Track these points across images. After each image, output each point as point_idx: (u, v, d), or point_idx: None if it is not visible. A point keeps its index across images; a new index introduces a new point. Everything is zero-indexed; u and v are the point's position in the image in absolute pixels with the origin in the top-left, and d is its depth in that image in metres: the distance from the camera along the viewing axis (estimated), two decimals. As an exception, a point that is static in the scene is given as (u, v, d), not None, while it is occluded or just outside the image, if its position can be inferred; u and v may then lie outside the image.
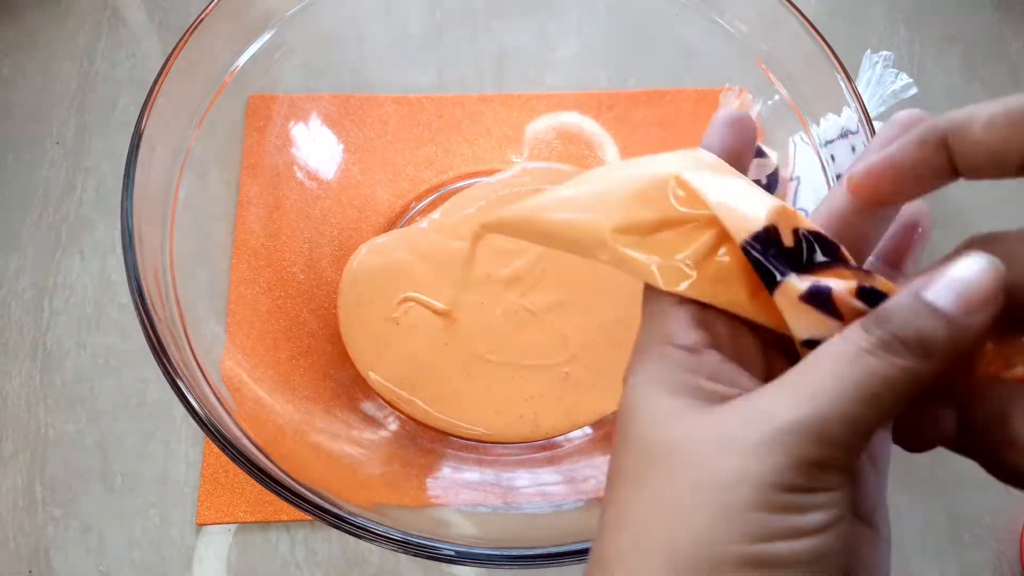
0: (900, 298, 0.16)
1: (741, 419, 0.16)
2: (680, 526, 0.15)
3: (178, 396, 0.28)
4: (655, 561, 0.15)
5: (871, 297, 0.16)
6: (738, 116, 0.21)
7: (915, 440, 0.18)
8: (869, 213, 0.20)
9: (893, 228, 0.21)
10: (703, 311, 0.18)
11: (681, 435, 0.16)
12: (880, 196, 0.19)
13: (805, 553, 0.15)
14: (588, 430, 0.40)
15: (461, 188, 0.45)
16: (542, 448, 0.39)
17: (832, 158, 0.36)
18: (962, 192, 0.48)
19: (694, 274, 0.18)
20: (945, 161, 0.17)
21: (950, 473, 0.41)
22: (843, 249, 0.19)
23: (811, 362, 0.16)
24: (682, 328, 0.18)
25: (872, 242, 0.21)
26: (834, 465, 0.15)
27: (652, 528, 0.15)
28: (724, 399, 0.17)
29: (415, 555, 0.27)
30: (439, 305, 0.42)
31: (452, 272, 0.42)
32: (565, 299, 0.42)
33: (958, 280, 0.15)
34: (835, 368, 0.15)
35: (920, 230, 0.21)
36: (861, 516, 0.19)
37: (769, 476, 0.15)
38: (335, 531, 0.28)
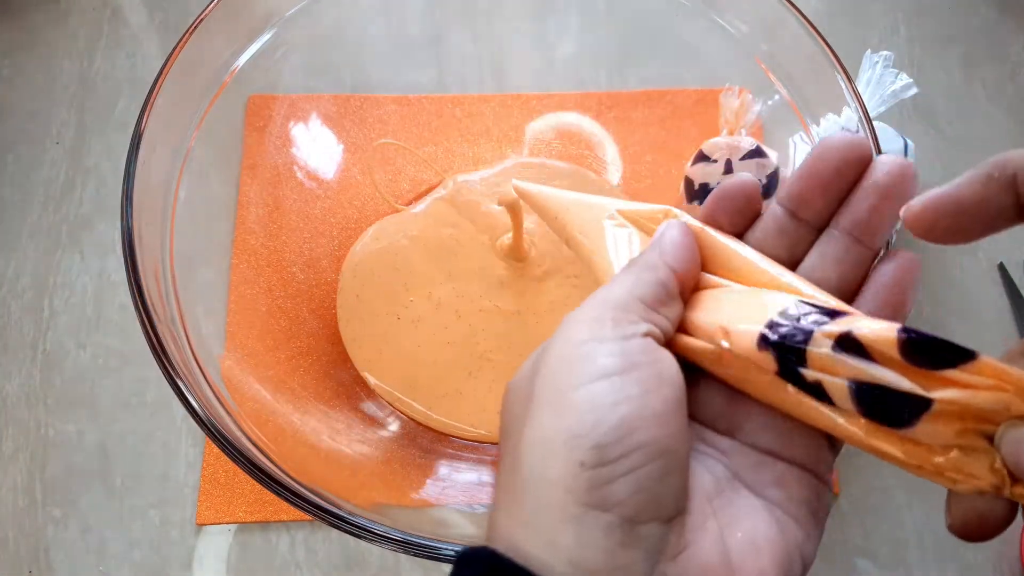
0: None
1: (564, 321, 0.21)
2: (528, 413, 0.19)
3: (178, 396, 0.28)
4: (506, 453, 0.19)
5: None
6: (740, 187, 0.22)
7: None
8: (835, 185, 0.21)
9: (869, 199, 0.20)
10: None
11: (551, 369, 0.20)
12: (936, 234, 0.18)
13: (608, 392, 0.18)
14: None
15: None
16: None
17: (832, 158, 0.36)
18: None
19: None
20: (1012, 202, 0.17)
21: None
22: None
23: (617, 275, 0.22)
24: (635, 306, 0.21)
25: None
26: (610, 317, 0.19)
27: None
28: None
29: (415, 555, 0.27)
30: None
31: (447, 261, 0.43)
32: (567, 298, 0.42)
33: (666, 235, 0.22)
34: (622, 275, 0.21)
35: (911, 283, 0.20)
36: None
37: (573, 338, 0.19)
38: (335, 531, 0.28)
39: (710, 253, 0.22)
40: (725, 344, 0.19)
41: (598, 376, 0.18)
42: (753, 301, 0.20)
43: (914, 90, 0.42)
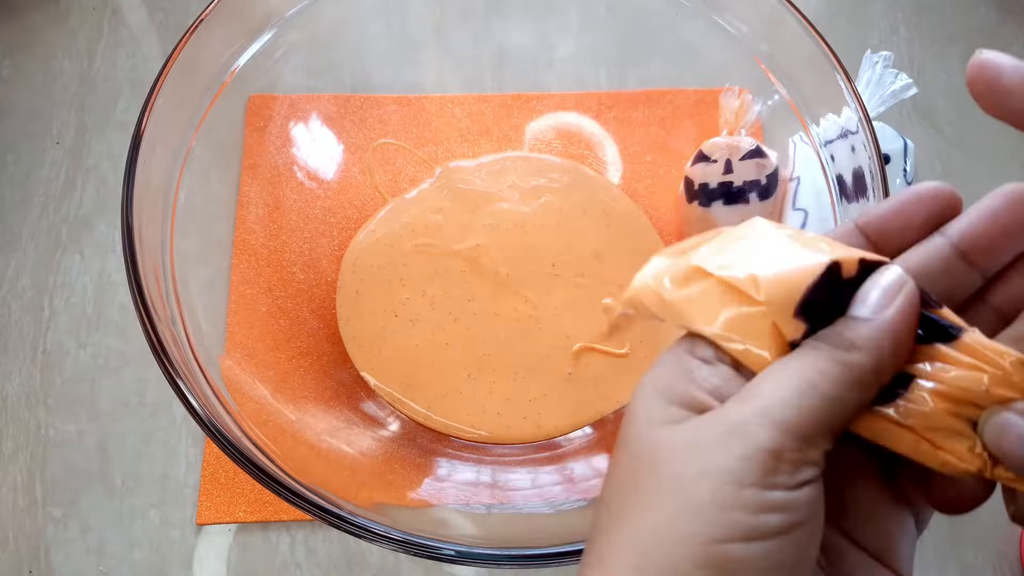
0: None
1: (707, 423, 0.16)
2: (646, 526, 0.16)
3: (178, 396, 0.28)
4: (626, 561, 0.16)
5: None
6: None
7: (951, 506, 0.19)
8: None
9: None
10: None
11: (662, 440, 0.17)
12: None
13: (760, 558, 0.15)
14: (589, 430, 0.40)
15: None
16: (543, 448, 0.39)
17: (832, 158, 0.36)
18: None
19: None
20: None
21: (950, 473, 0.41)
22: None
23: (765, 373, 0.17)
24: (705, 343, 0.18)
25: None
26: (788, 459, 0.15)
27: (627, 530, 0.16)
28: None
29: (415, 555, 0.27)
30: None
31: (442, 261, 0.43)
32: (568, 300, 0.42)
33: (868, 290, 0.17)
34: (775, 371, 0.17)
35: None
36: (875, 554, 0.18)
37: (725, 472, 0.15)
38: (335, 531, 0.28)
39: None
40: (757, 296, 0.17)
41: (758, 535, 0.15)
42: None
43: (914, 90, 0.42)
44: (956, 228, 0.18)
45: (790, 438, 0.15)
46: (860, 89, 0.42)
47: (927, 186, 0.19)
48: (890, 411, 0.17)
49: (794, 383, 0.16)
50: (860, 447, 0.18)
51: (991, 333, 0.17)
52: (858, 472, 0.19)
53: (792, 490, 0.15)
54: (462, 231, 0.44)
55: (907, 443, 0.17)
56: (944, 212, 0.19)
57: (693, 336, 0.18)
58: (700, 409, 0.17)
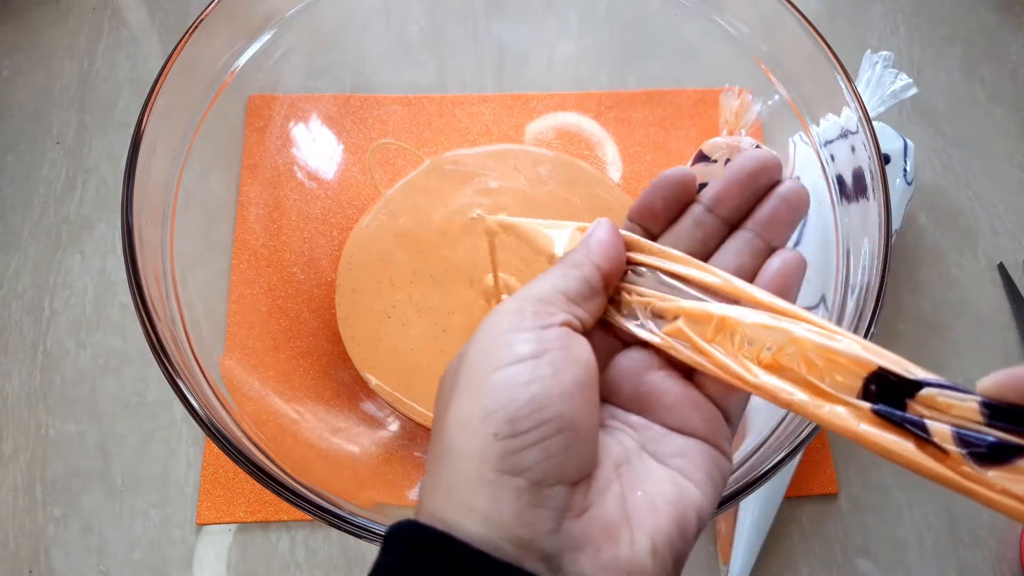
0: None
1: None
2: (451, 395, 0.21)
3: (178, 396, 0.28)
4: (433, 436, 0.20)
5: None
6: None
7: None
8: (749, 187, 0.25)
9: (772, 203, 0.24)
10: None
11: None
12: None
13: (519, 374, 0.20)
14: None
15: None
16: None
17: (832, 158, 0.36)
18: (959, 192, 0.48)
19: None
20: None
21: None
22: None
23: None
24: (557, 309, 0.23)
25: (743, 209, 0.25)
26: (533, 310, 0.21)
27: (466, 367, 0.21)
28: None
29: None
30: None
31: (428, 250, 0.43)
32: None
33: (590, 234, 0.24)
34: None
35: (796, 207, 0.24)
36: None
37: (499, 324, 0.21)
38: (335, 531, 0.28)
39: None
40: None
41: (514, 360, 0.20)
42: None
43: (914, 90, 0.42)
44: (706, 193, 0.25)
45: (536, 303, 0.22)
46: (860, 89, 0.42)
47: (672, 173, 0.25)
48: (1002, 469, 0.18)
49: (550, 276, 0.23)
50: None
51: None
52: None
53: (539, 330, 0.21)
54: (444, 205, 0.44)
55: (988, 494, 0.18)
56: (765, 173, 0.24)
57: (555, 289, 0.23)
58: None
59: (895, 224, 0.44)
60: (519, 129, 0.46)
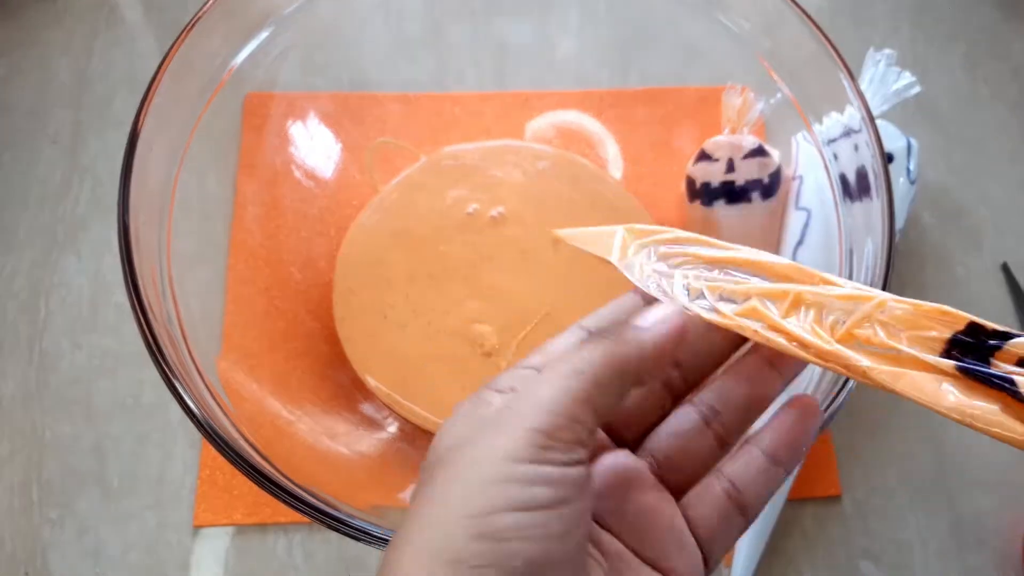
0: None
1: (493, 413, 0.19)
2: (429, 510, 0.17)
3: (175, 397, 0.28)
4: (413, 542, 0.17)
5: None
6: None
7: None
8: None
9: (784, 417, 0.22)
10: None
11: (457, 439, 0.19)
12: None
13: (529, 527, 0.16)
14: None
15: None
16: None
17: (835, 157, 0.35)
18: (963, 192, 0.48)
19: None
20: None
21: (953, 474, 0.40)
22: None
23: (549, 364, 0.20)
24: (504, 379, 0.20)
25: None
26: (563, 433, 0.17)
27: (414, 517, 0.17)
28: None
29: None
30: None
31: (425, 247, 0.43)
32: (573, 299, 0.42)
33: (651, 312, 0.21)
34: (554, 363, 0.19)
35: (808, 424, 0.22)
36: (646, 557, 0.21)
37: (507, 450, 0.17)
38: (333, 534, 0.28)
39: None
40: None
41: (525, 506, 0.17)
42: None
43: (917, 88, 0.42)
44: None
45: (555, 415, 0.18)
46: (863, 87, 0.42)
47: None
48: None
49: (564, 370, 0.18)
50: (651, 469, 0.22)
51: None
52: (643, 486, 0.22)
53: (562, 467, 0.17)
54: (441, 201, 0.43)
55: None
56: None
57: (496, 379, 0.21)
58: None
59: (898, 224, 0.44)
60: (519, 127, 0.46)
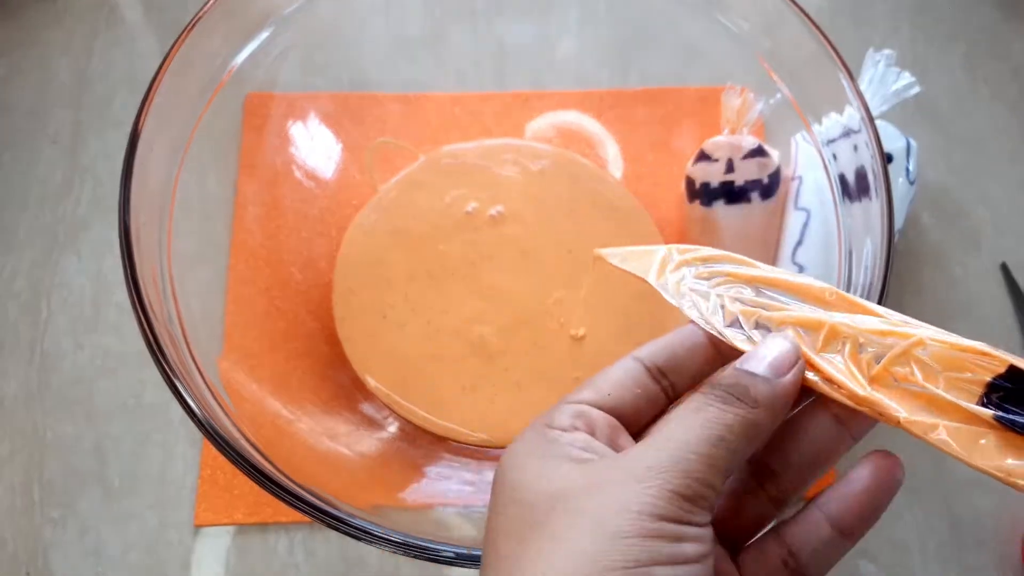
0: (725, 370, 0.20)
1: (615, 466, 0.18)
2: (560, 557, 0.17)
3: (176, 397, 0.28)
4: None
5: None
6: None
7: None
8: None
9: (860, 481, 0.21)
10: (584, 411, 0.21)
11: (562, 486, 0.18)
12: None
13: None
14: (589, 431, 0.40)
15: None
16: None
17: (834, 157, 0.35)
18: (962, 192, 0.48)
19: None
20: None
21: (952, 475, 0.40)
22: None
23: (665, 421, 0.19)
24: (562, 415, 0.20)
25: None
26: (700, 498, 0.17)
27: (532, 563, 0.17)
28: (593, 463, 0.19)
29: (414, 557, 0.27)
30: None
31: (424, 246, 0.43)
32: (573, 299, 0.42)
33: (765, 354, 0.20)
34: (685, 420, 0.18)
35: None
36: None
37: (646, 506, 0.17)
38: (334, 533, 0.28)
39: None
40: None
41: (677, 560, 0.17)
42: None
43: (916, 89, 0.42)
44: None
45: (702, 485, 0.17)
46: (862, 88, 0.42)
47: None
48: None
49: (703, 435, 0.18)
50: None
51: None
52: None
53: (703, 526, 0.17)
54: (440, 199, 0.43)
55: None
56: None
57: (549, 415, 0.20)
58: (584, 461, 0.19)
59: (897, 224, 0.44)
60: (519, 127, 0.46)
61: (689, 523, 0.17)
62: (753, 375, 0.19)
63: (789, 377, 0.19)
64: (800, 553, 0.20)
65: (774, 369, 0.19)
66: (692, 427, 0.18)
